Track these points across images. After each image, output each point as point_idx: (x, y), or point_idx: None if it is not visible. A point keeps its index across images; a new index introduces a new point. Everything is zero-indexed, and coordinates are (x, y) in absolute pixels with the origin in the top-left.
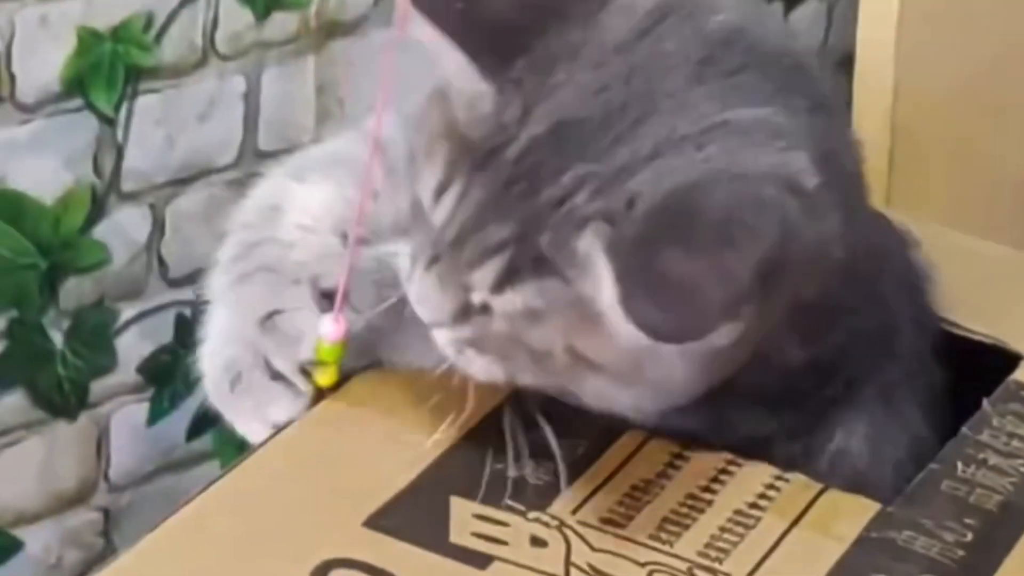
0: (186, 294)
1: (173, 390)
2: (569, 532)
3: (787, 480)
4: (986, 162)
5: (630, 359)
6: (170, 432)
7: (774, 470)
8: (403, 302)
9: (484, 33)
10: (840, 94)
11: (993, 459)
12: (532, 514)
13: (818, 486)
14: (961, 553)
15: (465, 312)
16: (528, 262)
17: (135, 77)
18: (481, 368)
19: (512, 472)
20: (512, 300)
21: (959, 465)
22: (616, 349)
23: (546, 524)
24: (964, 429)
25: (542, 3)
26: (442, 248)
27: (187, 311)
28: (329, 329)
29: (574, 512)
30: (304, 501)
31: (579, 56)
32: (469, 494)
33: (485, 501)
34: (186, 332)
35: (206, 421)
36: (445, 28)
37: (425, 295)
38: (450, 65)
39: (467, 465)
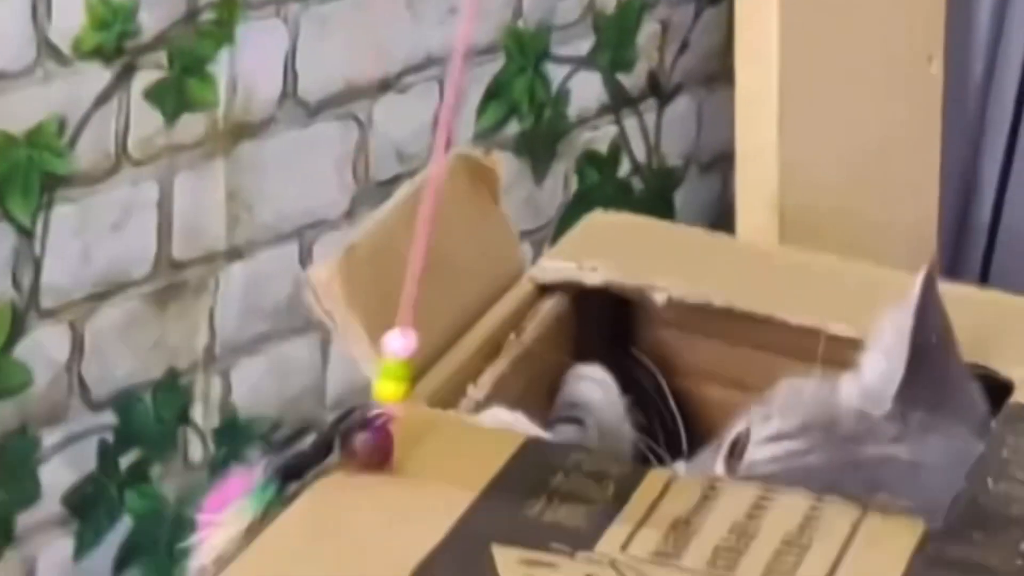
0: (108, 418)
1: (97, 522)
2: (623, 568)
3: (825, 503)
4: (873, 235)
5: None
6: (96, 566)
7: (809, 494)
8: None
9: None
10: (717, 194)
11: (1020, 474)
12: (580, 554)
13: (859, 505)
14: (1019, 563)
15: None
16: None
17: (51, 185)
18: None
19: (547, 516)
20: None
21: (989, 482)
22: None
23: (597, 562)
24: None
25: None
26: None
27: (109, 437)
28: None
29: (623, 548)
30: (338, 570)
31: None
32: (509, 541)
33: (528, 546)
34: (108, 460)
35: (132, 553)
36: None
37: None
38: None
39: (498, 513)
